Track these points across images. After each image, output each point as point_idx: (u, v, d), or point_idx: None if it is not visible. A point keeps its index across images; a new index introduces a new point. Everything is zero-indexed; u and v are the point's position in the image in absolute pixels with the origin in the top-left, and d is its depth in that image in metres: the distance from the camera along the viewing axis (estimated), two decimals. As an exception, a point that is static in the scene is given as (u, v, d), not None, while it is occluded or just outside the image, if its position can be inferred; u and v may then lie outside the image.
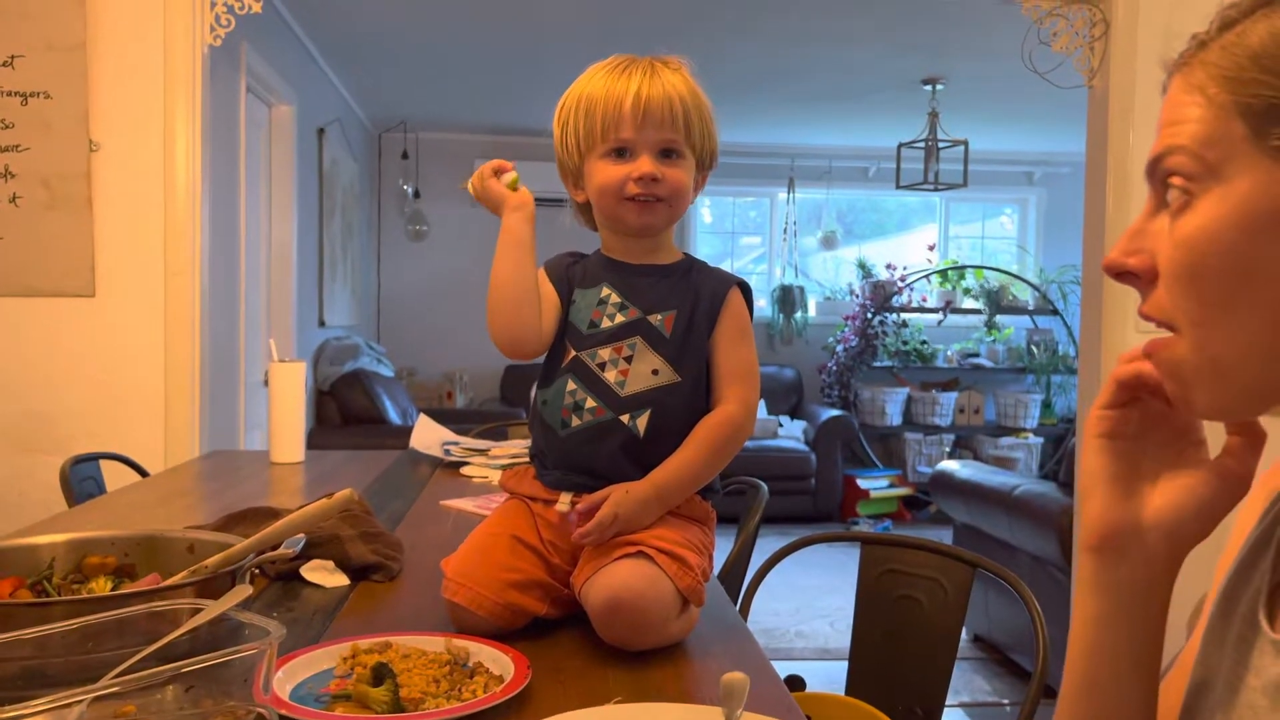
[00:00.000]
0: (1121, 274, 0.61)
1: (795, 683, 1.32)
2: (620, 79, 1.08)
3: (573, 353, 1.11)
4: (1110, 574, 0.63)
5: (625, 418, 1.07)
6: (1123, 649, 0.63)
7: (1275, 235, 0.54)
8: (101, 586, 1.00)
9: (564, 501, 1.07)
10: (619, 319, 1.10)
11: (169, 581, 0.92)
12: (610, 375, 1.08)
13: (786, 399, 6.73)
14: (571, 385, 1.09)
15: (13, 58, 2.65)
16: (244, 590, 0.84)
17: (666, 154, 1.08)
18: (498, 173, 1.16)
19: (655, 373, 1.08)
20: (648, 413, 1.07)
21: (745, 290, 1.14)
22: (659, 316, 1.09)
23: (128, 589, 0.96)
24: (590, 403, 1.08)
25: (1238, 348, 0.56)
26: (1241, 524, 0.67)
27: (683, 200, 1.11)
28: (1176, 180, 0.57)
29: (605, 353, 1.09)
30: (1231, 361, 0.56)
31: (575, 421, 1.08)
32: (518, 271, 1.10)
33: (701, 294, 1.11)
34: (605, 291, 1.12)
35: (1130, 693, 0.64)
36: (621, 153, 1.08)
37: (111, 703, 0.69)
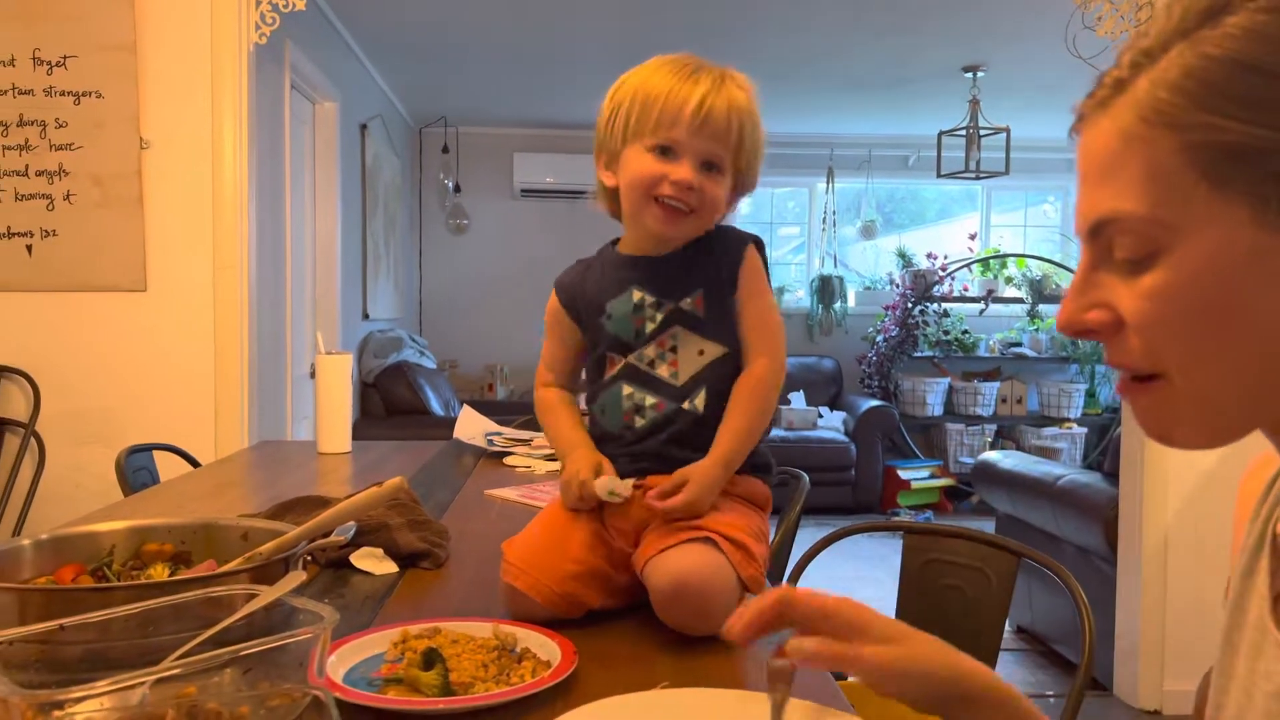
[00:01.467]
0: (1081, 332, 0.59)
1: (837, 672, 1.32)
2: (687, 81, 1.07)
3: (622, 360, 1.12)
4: None
5: (686, 404, 1.09)
6: None
7: (1250, 275, 0.53)
8: (159, 573, 1.02)
9: (626, 486, 1.07)
10: (658, 318, 1.11)
11: (225, 568, 0.94)
12: (663, 371, 1.10)
13: (826, 390, 6.69)
14: (628, 389, 1.11)
15: (65, 58, 2.72)
16: (298, 576, 0.87)
17: (709, 166, 1.08)
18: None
19: (701, 353, 1.10)
20: (703, 391, 1.09)
21: (759, 245, 1.15)
22: (689, 300, 1.10)
23: (185, 575, 0.98)
24: (650, 400, 1.10)
25: (1226, 384, 0.55)
26: (1239, 521, 0.66)
27: (712, 215, 1.11)
28: (1127, 247, 0.55)
29: (650, 350, 1.10)
30: (1221, 398, 0.56)
31: (640, 422, 1.10)
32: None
33: (721, 262, 1.11)
34: (637, 295, 1.12)
35: None
36: (666, 151, 1.07)
37: (173, 684, 0.71)
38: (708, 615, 0.96)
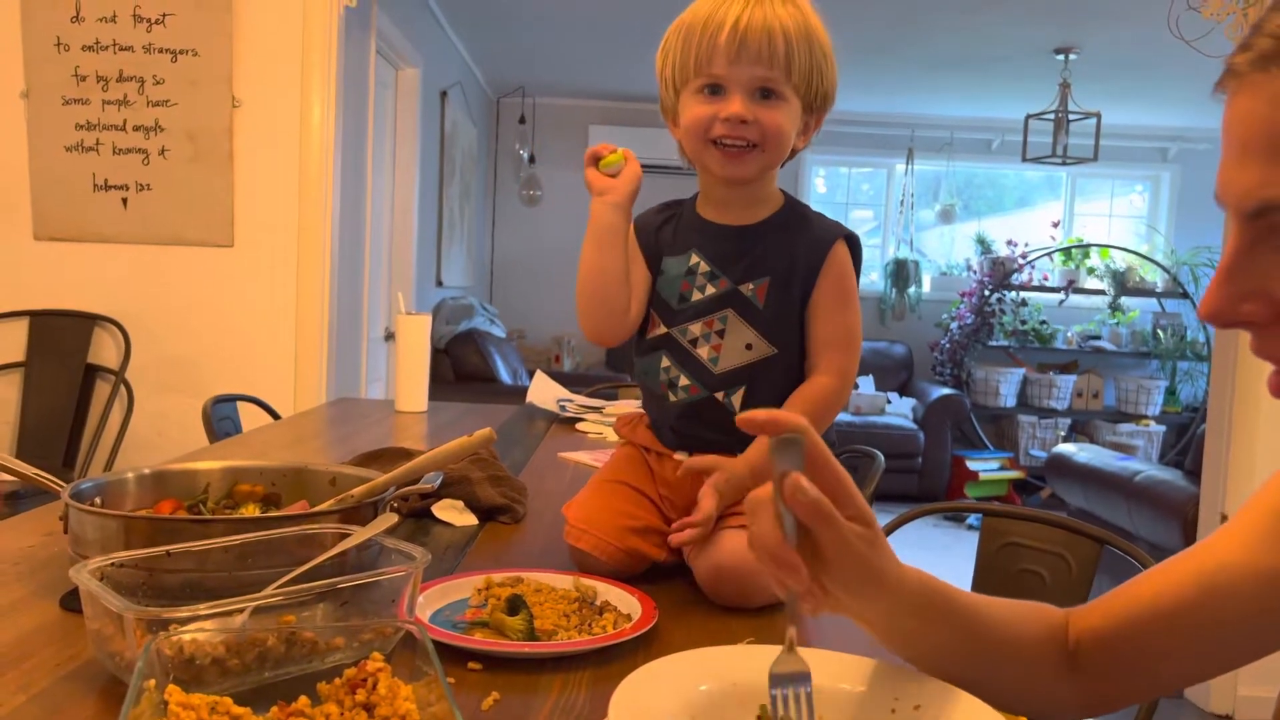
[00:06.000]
0: (1230, 324, 0.53)
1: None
2: (722, 5, 0.98)
3: (663, 328, 1.08)
4: None
5: (720, 395, 1.04)
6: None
7: None
8: (250, 513, 1.06)
9: (681, 459, 1.07)
10: (709, 290, 1.05)
11: (318, 508, 0.96)
12: (703, 352, 1.05)
13: (896, 375, 6.61)
14: (666, 362, 1.07)
15: (164, 16, 2.78)
16: (390, 518, 0.88)
17: (765, 94, 0.99)
18: (597, 159, 1.09)
19: (749, 347, 1.03)
20: (742, 389, 1.04)
21: (853, 244, 1.06)
22: (751, 286, 1.03)
23: (280, 513, 1.01)
24: (684, 380, 1.06)
25: None
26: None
27: (779, 146, 1.01)
28: None
29: (696, 328, 1.05)
30: None
31: (672, 398, 1.07)
32: (599, 262, 1.06)
33: (799, 253, 1.03)
34: (694, 259, 1.06)
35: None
36: (715, 90, 1.00)
37: (272, 613, 0.73)
38: (752, 593, 0.95)
